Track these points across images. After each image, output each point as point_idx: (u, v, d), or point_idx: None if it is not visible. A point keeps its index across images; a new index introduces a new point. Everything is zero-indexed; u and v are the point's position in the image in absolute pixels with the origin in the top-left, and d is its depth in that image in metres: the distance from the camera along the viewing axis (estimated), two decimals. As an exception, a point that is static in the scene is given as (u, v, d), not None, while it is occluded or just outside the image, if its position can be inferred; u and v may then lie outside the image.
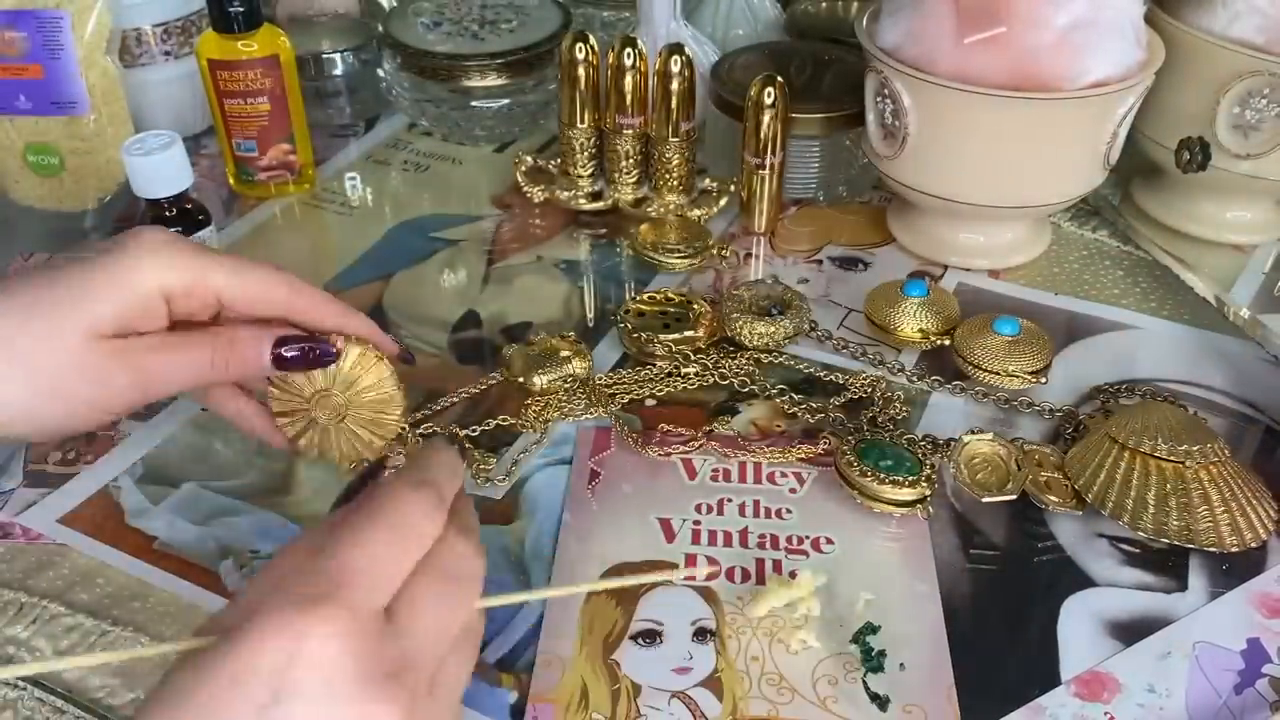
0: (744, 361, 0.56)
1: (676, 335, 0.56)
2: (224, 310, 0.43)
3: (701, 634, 0.43)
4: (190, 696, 0.27)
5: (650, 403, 0.54)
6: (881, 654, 0.42)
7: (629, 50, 0.63)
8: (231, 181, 0.71)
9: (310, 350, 0.44)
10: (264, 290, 0.43)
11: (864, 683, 0.41)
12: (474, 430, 0.52)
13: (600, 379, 0.55)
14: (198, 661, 0.28)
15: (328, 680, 0.28)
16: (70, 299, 0.40)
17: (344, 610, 0.29)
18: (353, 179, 0.74)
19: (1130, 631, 0.43)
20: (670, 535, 0.47)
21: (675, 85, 0.63)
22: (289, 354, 0.43)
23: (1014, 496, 0.47)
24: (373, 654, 0.29)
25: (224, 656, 0.28)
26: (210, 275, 0.42)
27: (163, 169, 0.56)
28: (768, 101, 0.61)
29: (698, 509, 0.48)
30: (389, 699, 0.29)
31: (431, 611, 0.31)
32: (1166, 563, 0.46)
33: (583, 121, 0.66)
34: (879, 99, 0.60)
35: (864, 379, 0.55)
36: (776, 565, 0.45)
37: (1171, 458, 0.47)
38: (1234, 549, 0.45)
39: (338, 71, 0.78)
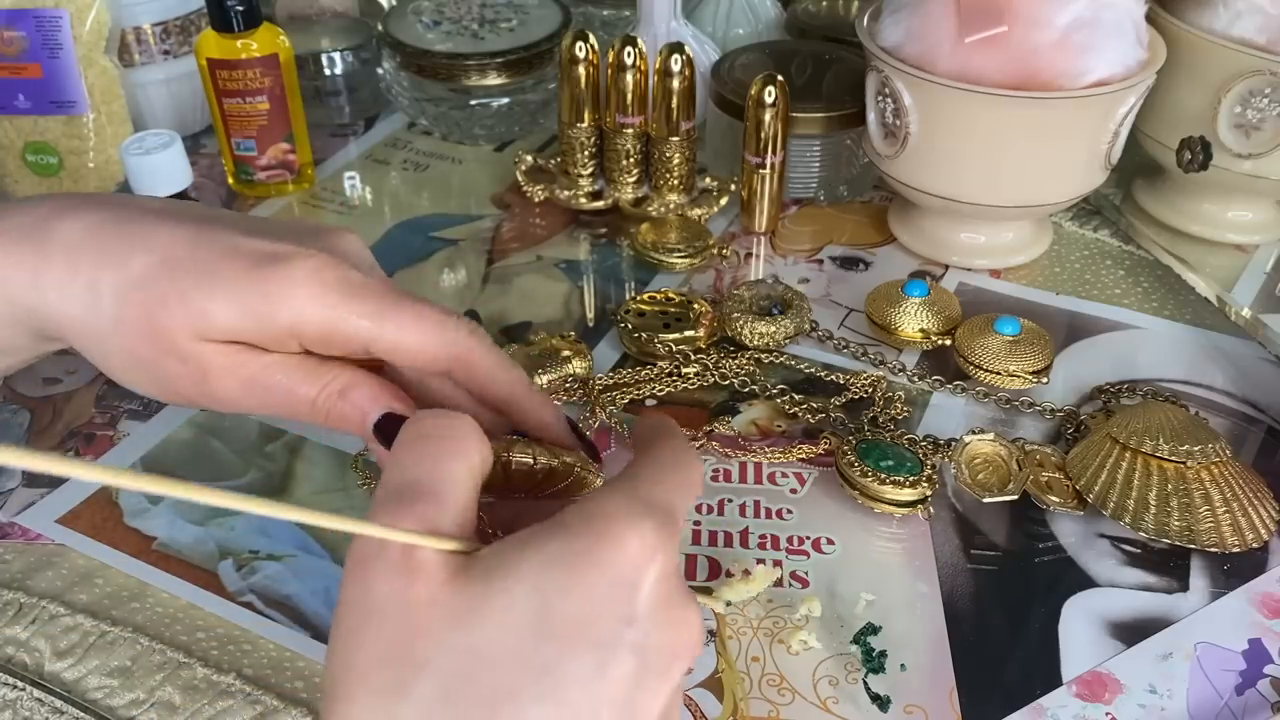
0: (744, 361, 0.56)
1: (677, 335, 0.56)
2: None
3: (702, 635, 0.43)
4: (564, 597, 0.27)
5: (650, 403, 0.54)
6: (883, 654, 0.42)
7: (629, 49, 0.63)
8: (231, 181, 0.71)
9: None
10: (419, 352, 0.36)
11: (865, 683, 0.41)
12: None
13: (600, 379, 0.54)
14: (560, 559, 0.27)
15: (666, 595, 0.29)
16: (185, 299, 0.35)
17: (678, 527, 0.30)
18: (352, 178, 0.74)
19: (1131, 632, 0.43)
20: (671, 535, 0.47)
21: (675, 84, 0.63)
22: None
23: (1015, 497, 0.47)
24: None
25: (594, 563, 0.27)
26: (349, 323, 0.35)
27: (162, 168, 0.56)
28: (768, 100, 0.61)
29: (698, 509, 0.48)
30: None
31: None
32: (1168, 563, 0.46)
33: (583, 120, 0.66)
34: (880, 98, 0.60)
35: (865, 379, 0.55)
36: (776, 565, 0.45)
37: (1173, 458, 0.47)
38: (1235, 549, 0.45)
39: (337, 71, 0.78)
